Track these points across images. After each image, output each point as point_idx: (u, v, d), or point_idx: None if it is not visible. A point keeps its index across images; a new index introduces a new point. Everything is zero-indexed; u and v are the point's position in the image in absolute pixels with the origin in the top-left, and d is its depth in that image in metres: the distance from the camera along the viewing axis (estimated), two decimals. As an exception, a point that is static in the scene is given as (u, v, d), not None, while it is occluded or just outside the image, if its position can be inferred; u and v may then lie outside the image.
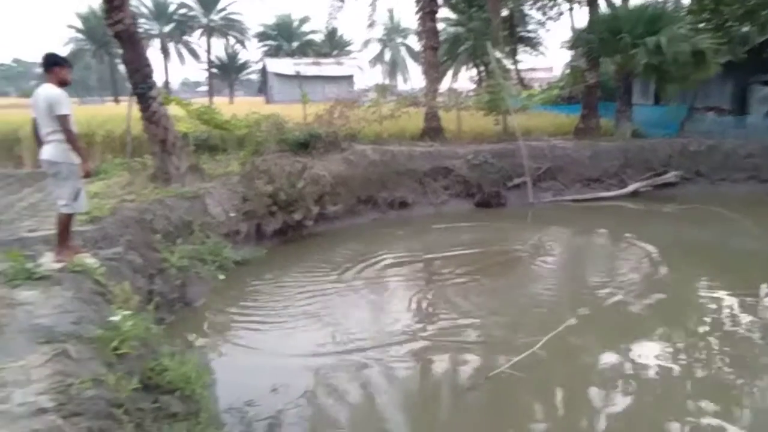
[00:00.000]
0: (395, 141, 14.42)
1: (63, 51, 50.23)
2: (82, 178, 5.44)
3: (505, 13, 22.78)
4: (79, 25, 50.23)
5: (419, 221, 12.14)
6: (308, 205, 10.30)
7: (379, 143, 13.67)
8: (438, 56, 17.20)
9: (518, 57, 26.92)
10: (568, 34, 25.00)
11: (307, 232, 10.41)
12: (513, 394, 5.00)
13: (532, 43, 27.22)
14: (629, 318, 6.72)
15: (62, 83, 5.19)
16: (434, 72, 16.35)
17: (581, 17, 41.34)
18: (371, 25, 17.71)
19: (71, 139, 5.18)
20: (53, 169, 5.28)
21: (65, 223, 5.41)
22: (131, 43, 8.50)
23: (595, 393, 4.97)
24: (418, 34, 17.08)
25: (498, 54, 18.35)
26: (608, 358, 5.62)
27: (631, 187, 13.89)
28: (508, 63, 24.34)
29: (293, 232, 10.20)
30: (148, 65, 8.90)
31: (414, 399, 5.11)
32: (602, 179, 14.21)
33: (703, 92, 17.63)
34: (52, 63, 5.27)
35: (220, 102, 33.17)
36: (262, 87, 54.10)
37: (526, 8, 24.37)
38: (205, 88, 62.90)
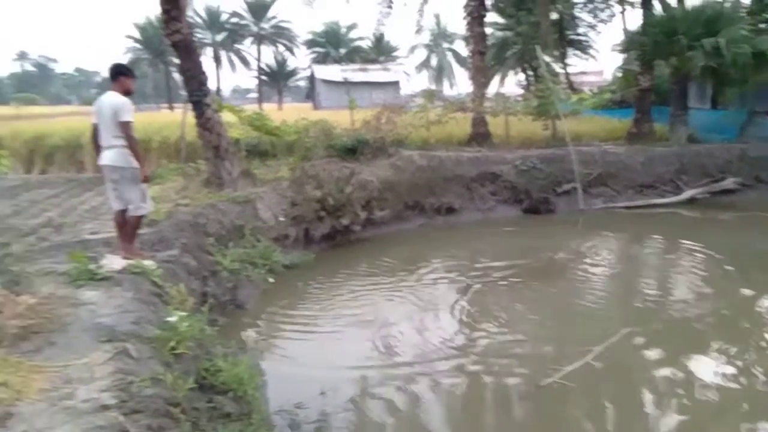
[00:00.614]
0: (442, 146, 14.37)
1: (122, 60, 52.33)
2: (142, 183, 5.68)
3: (554, 16, 22.45)
4: (137, 35, 52.24)
5: (466, 227, 12.05)
6: (356, 210, 10.37)
7: (426, 149, 13.65)
8: (485, 61, 17.06)
9: (568, 61, 26.48)
10: (619, 37, 24.43)
11: (354, 237, 10.48)
12: (565, 405, 4.89)
13: (583, 47, 26.74)
14: (687, 330, 6.49)
15: (126, 92, 5.47)
16: (482, 77, 16.24)
17: (634, 19, 40.31)
18: (418, 30, 17.79)
19: (132, 145, 5.42)
20: (116, 174, 5.53)
21: (137, 225, 5.74)
22: (187, 52, 8.79)
23: (649, 407, 4.81)
24: (466, 39, 17.02)
25: (547, 58, 18.08)
26: (664, 371, 5.43)
27: (686, 194, 13.41)
28: (557, 67, 23.95)
29: (341, 237, 10.30)
30: (203, 73, 9.18)
31: (462, 407, 5.07)
32: (656, 185, 13.77)
33: (764, 95, 16.88)
34: (119, 72, 5.57)
35: (269, 108, 33.85)
36: (310, 93, 54.92)
37: (576, 11, 23.95)
38: (254, 94, 64.38)
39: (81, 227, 7.57)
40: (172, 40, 8.61)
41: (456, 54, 61.91)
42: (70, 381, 3.30)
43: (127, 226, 5.71)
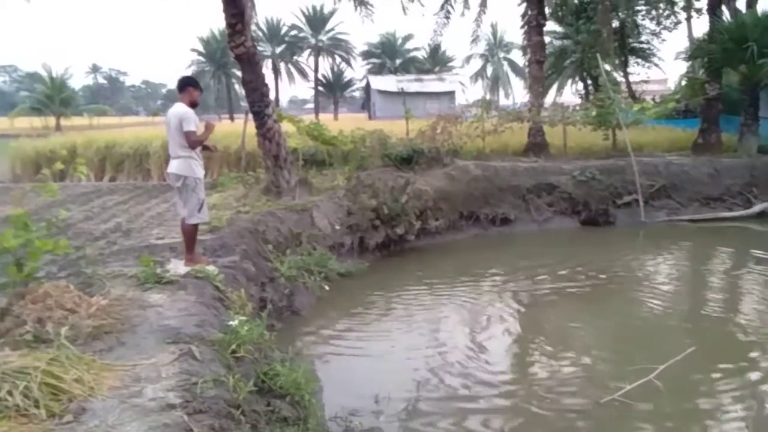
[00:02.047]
0: (497, 156, 14.25)
1: (186, 72, 54.51)
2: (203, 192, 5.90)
3: (615, 24, 21.92)
4: (201, 48, 54.27)
5: (522, 238, 11.87)
6: (410, 219, 10.40)
7: (482, 159, 13.57)
8: (543, 70, 16.83)
9: (629, 69, 25.75)
10: (685, 44, 23.56)
11: (408, 247, 10.51)
12: (626, 423, 4.74)
13: (645, 55, 25.95)
14: (755, 349, 6.16)
15: (193, 104, 5.74)
16: (539, 86, 16.03)
17: (700, 26, 38.87)
18: (475, 40, 17.66)
19: (195, 141, 5.65)
20: (179, 182, 5.77)
21: (192, 233, 5.90)
22: (250, 65, 9.08)
23: (714, 428, 4.61)
24: (524, 48, 16.92)
25: (608, 66, 17.66)
26: (731, 392, 5.18)
27: (757, 207, 12.76)
28: (618, 75, 23.35)
29: (395, 246, 10.34)
30: (265, 85, 9.47)
31: (518, 420, 4.98)
32: (724, 198, 13.18)
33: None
34: (186, 84, 5.87)
35: (325, 118, 34.42)
36: (366, 103, 55.59)
37: (638, 19, 23.29)
38: (311, 105, 65.62)
39: (148, 232, 7.91)
40: (236, 53, 8.92)
41: (512, 63, 61.33)
42: (139, 380, 3.44)
43: (185, 235, 5.93)
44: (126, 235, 8.03)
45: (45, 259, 5.52)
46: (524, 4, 15.70)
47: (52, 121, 40.71)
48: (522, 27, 15.80)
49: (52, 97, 41.79)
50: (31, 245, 4.14)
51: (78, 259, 6.27)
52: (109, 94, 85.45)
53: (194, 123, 5.66)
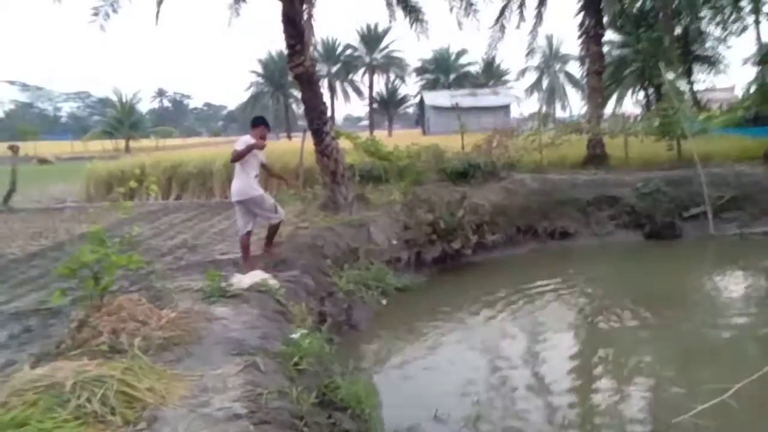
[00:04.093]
0: (555, 169, 13.98)
1: (245, 95, 56.35)
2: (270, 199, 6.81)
3: (678, 30, 21.23)
4: (260, 70, 56.01)
5: (582, 253, 11.56)
6: (467, 234, 10.33)
7: (539, 172, 13.35)
8: (602, 80, 16.46)
9: (694, 77, 24.82)
10: (752, 49, 22.51)
11: (465, 261, 10.42)
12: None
13: (710, 62, 24.97)
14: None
15: (261, 139, 6.40)
16: (598, 97, 15.66)
17: (770, 29, 37.12)
18: (531, 53, 17.48)
19: (233, 154, 6.45)
20: (239, 205, 6.65)
21: (274, 229, 7.08)
22: (309, 84, 9.32)
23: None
24: (581, 58, 16.59)
25: (671, 75, 17.08)
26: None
27: (838, 219, 11.96)
28: (682, 84, 22.53)
29: (452, 260, 10.28)
30: (323, 103, 9.70)
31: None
32: (802, 210, 12.43)
33: None
34: (258, 122, 6.80)
35: (380, 135, 34.77)
36: (419, 119, 55.82)
37: (702, 24, 22.46)
38: (365, 122, 66.40)
39: (212, 248, 8.19)
40: (295, 73, 9.18)
41: (569, 75, 60.25)
42: (206, 390, 3.55)
43: (270, 230, 7.05)
44: (191, 250, 8.33)
45: (118, 273, 5.79)
46: (581, 14, 15.42)
47: (122, 143, 42.88)
48: (579, 37, 15.52)
49: (122, 121, 44.07)
50: (107, 260, 4.35)
51: (148, 274, 6.55)
52: (174, 117, 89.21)
53: (241, 144, 6.48)
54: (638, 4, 22.41)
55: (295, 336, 4.58)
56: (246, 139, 6.53)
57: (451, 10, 9.96)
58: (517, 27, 15.52)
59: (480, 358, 6.55)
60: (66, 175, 20.79)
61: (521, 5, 15.28)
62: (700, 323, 7.42)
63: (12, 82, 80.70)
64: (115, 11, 9.23)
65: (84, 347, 4.05)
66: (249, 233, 6.69)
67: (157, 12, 10.05)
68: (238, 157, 6.42)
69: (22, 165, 14.89)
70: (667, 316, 7.60)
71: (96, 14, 9.17)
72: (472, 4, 10.01)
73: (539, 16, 16.21)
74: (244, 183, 6.55)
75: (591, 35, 15.17)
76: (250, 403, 3.42)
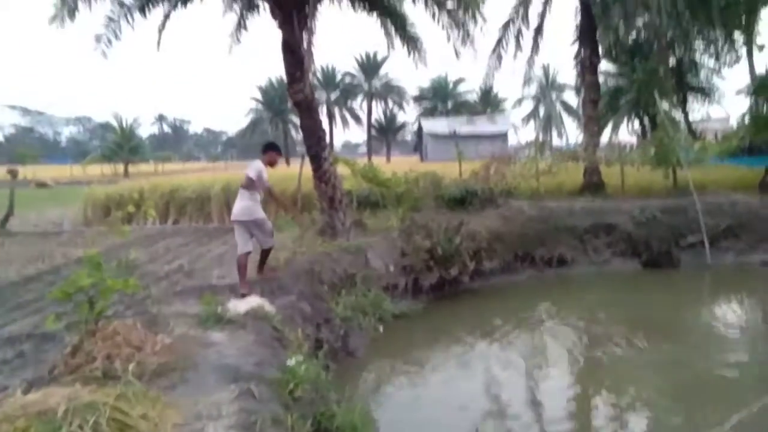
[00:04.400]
0: (552, 197, 14.04)
1: (245, 121, 56.73)
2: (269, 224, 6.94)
3: (672, 61, 21.52)
4: (259, 96, 56.49)
5: (579, 280, 11.55)
6: (464, 260, 10.32)
7: (536, 199, 13.40)
8: (598, 109, 16.64)
9: (689, 107, 25.08)
10: (746, 80, 22.79)
11: (462, 288, 10.39)
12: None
13: (705, 92, 25.27)
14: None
15: (270, 163, 6.52)
16: (594, 126, 15.82)
17: (762, 60, 37.69)
18: (527, 82, 17.67)
19: (246, 185, 6.61)
20: (240, 225, 6.67)
21: (267, 253, 7.21)
22: (309, 111, 9.40)
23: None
24: (577, 88, 16.79)
25: (666, 104, 17.29)
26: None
27: (836, 248, 12.00)
28: (677, 113, 22.76)
29: (449, 287, 10.25)
30: (322, 130, 9.77)
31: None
32: (798, 239, 12.46)
33: None
34: (269, 148, 7.00)
35: (378, 161, 34.96)
36: (417, 146, 56.20)
37: (696, 56, 22.76)
38: (364, 148, 66.80)
39: (209, 273, 8.15)
40: (294, 100, 9.27)
41: (565, 104, 60.91)
42: (201, 417, 3.51)
43: (263, 254, 7.16)
44: (188, 275, 8.30)
45: (113, 297, 5.75)
46: (577, 44, 15.68)
47: (121, 168, 43.00)
48: (575, 67, 15.77)
49: (122, 146, 44.27)
50: (103, 284, 4.33)
51: (144, 299, 6.51)
52: (173, 142, 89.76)
53: (255, 172, 6.58)
54: (633, 36, 22.77)
55: (290, 362, 4.54)
56: (257, 165, 6.65)
57: (448, 39, 10.08)
58: (515, 56, 15.74)
59: (477, 386, 6.50)
60: (64, 199, 20.80)
61: (518, 35, 15.52)
62: (697, 354, 7.37)
63: (13, 107, 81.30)
64: (117, 38, 9.34)
65: (77, 373, 4.01)
66: (248, 253, 6.68)
67: (159, 39, 10.20)
68: (251, 185, 6.59)
69: (20, 189, 14.89)
70: (664, 347, 7.57)
71: (98, 41, 9.29)
72: (469, 34, 10.13)
73: (536, 46, 16.43)
74: (249, 204, 6.64)
75: (587, 65, 15.39)
76: (245, 430, 3.39)
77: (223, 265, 8.80)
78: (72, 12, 8.80)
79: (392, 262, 9.70)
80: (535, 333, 8.40)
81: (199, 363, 4.37)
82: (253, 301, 6.09)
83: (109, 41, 9.37)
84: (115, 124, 47.42)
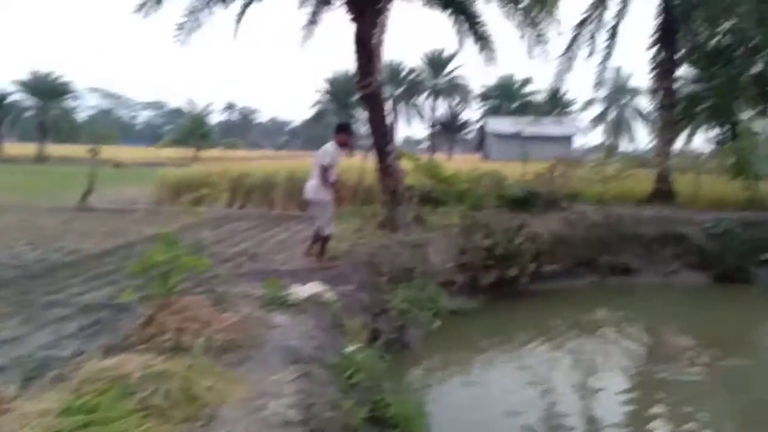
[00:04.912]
0: (619, 203, 13.62)
1: (310, 112, 57.72)
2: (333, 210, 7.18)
3: (757, 68, 20.36)
4: (325, 89, 57.27)
5: (644, 291, 11.17)
6: (524, 262, 10.17)
7: (602, 204, 13.03)
8: (673, 115, 15.97)
9: (772, 116, 23.67)
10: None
11: (521, 289, 10.24)
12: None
13: (791, 101, 23.79)
14: None
15: (342, 144, 6.65)
16: (668, 132, 15.21)
17: None
18: (599, 84, 17.13)
19: (324, 178, 6.93)
20: (311, 204, 7.16)
21: (324, 241, 7.34)
22: (376, 104, 9.51)
23: None
24: (652, 92, 16.14)
25: (748, 113, 16.41)
26: None
27: None
28: (760, 123, 21.55)
29: (507, 287, 10.12)
30: (388, 124, 9.86)
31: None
32: None
33: None
34: (339, 128, 7.26)
35: (439, 159, 34.80)
36: (480, 145, 55.57)
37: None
38: (425, 145, 66.60)
39: (272, 258, 8.38)
40: (363, 93, 9.40)
41: (636, 108, 58.72)
42: (263, 394, 3.64)
43: (321, 242, 7.35)
44: (252, 258, 8.54)
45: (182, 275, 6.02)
46: (655, 48, 15.08)
47: (191, 152, 44.62)
48: (651, 71, 15.16)
49: (193, 131, 45.93)
50: (177, 261, 4.54)
51: (211, 278, 6.77)
52: (241, 130, 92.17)
53: (333, 158, 6.96)
54: (714, 41, 21.72)
55: (349, 349, 4.64)
56: (330, 147, 6.98)
57: (522, 37, 9.93)
58: (588, 57, 15.28)
59: (529, 390, 6.42)
60: (138, 179, 21.81)
61: (593, 36, 15.07)
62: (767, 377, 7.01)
63: (94, 89, 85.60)
64: (197, 27, 9.71)
65: (150, 343, 4.23)
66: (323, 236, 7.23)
67: (236, 28, 10.51)
68: (324, 176, 6.96)
69: (99, 167, 15.71)
70: (733, 366, 7.22)
71: (180, 29, 9.68)
72: (542, 34, 9.95)
73: (610, 48, 15.92)
74: (320, 186, 7.02)
75: (664, 69, 14.80)
76: (304, 410, 3.49)
77: (285, 250, 9.02)
78: (159, 1, 9.22)
79: (451, 259, 9.67)
80: (594, 341, 8.21)
81: (263, 343, 4.52)
82: (315, 287, 6.22)
83: (190, 30, 9.75)
84: (187, 110, 49.26)
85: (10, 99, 50.89)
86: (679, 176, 14.54)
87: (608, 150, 15.30)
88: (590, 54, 15.27)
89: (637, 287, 11.26)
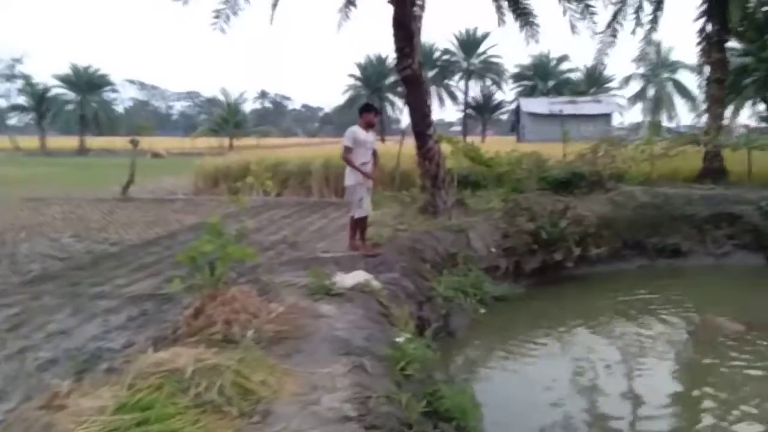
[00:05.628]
0: (667, 183, 13.12)
1: (342, 98, 57.67)
2: (365, 190, 7.03)
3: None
4: (357, 73, 57.02)
5: (695, 273, 10.73)
6: (570, 245, 9.87)
7: (649, 184, 12.56)
8: (724, 89, 15.26)
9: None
10: None
11: (566, 274, 9.96)
12: None
13: None
14: None
15: (368, 125, 6.43)
16: (718, 107, 14.55)
17: None
18: (642, 59, 16.50)
19: (346, 159, 6.88)
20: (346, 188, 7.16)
21: (353, 224, 7.20)
22: (416, 87, 9.29)
23: None
24: (699, 66, 15.48)
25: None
26: None
27: None
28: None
29: (552, 272, 9.85)
30: (428, 106, 9.63)
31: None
32: None
33: None
34: (361, 109, 7.06)
35: (472, 141, 34.30)
36: (514, 126, 54.63)
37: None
38: (457, 128, 65.89)
39: (312, 245, 8.32)
40: (402, 75, 9.18)
41: (677, 84, 56.70)
42: (316, 388, 3.53)
43: (359, 227, 7.24)
44: (292, 246, 8.51)
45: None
46: (702, 20, 14.39)
47: (226, 141, 45.12)
48: (699, 43, 14.48)
49: (228, 120, 46.41)
50: (224, 251, 4.46)
51: (254, 267, 6.73)
52: (274, 117, 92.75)
53: (348, 140, 6.83)
54: (764, 9, 20.65)
55: (399, 340, 4.50)
56: (349, 131, 6.87)
57: (564, 12, 9.54)
58: (633, 32, 14.66)
59: (576, 376, 6.21)
60: (176, 168, 22.09)
61: (638, 9, 14.43)
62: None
63: (132, 81, 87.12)
64: (235, 14, 9.63)
65: (199, 335, 4.18)
66: (356, 218, 7.11)
67: (272, 14, 10.38)
68: (347, 153, 6.86)
69: (138, 158, 15.93)
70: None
71: (217, 17, 9.61)
72: (589, 6, 9.52)
73: (654, 21, 15.27)
74: (347, 171, 7.00)
75: (713, 41, 14.12)
76: (360, 405, 3.37)
77: (325, 238, 8.95)
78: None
79: (494, 244, 9.45)
80: (641, 326, 7.87)
81: (311, 333, 4.42)
82: (360, 275, 6.10)
83: (228, 17, 9.67)
84: (222, 99, 49.78)
85: (51, 93, 52.20)
86: (730, 153, 13.90)
87: (654, 127, 14.71)
88: (635, 28, 14.63)
89: (687, 270, 10.82)
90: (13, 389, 4.06)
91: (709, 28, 14.36)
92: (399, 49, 9.02)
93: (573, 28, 9.74)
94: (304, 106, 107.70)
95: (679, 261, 11.10)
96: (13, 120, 58.31)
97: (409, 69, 8.99)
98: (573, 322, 8.01)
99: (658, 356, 6.87)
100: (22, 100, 53.36)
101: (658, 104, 58.70)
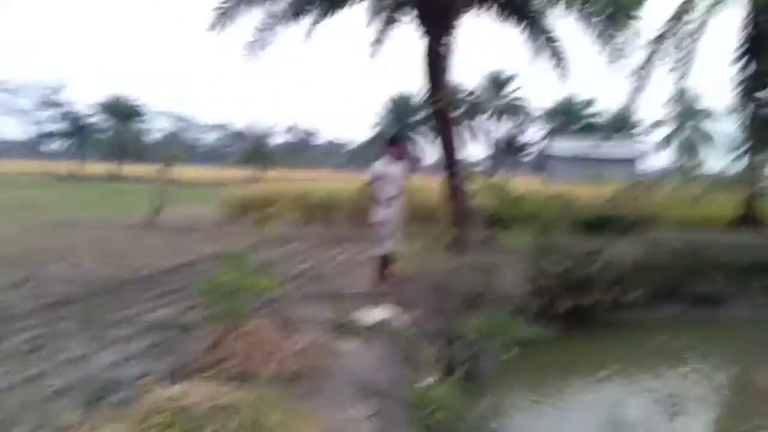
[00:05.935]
0: (701, 228, 12.69)
1: (371, 133, 58.17)
2: (392, 225, 6.94)
3: None
4: (385, 110, 57.56)
5: (735, 324, 10.24)
6: (601, 290, 9.50)
7: (684, 229, 12.17)
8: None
9: None
10: None
11: (599, 318, 9.56)
12: None
13: None
14: None
15: (397, 157, 6.30)
16: (758, 153, 14.12)
17: None
18: (673, 103, 16.24)
19: (372, 193, 6.85)
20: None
21: (377, 260, 7.16)
22: (446, 122, 9.21)
23: None
24: (736, 111, 15.08)
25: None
26: None
27: None
28: None
29: (584, 316, 9.46)
30: (457, 143, 9.50)
31: None
32: None
33: None
34: (388, 143, 7.07)
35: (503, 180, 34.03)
36: (540, 166, 54.34)
37: None
38: (482, 167, 65.69)
39: (335, 279, 8.11)
40: (435, 108, 9.11)
41: (705, 130, 55.94)
42: (340, 432, 3.31)
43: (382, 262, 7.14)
44: (315, 279, 8.30)
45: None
46: (740, 62, 14.09)
47: (253, 172, 45.69)
48: (736, 87, 14.15)
49: (255, 153, 47.16)
50: (246, 282, 4.32)
51: (275, 300, 6.53)
52: (300, 151, 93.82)
53: (377, 173, 6.79)
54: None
55: (425, 383, 4.25)
56: (381, 163, 6.80)
57: (600, 51, 9.42)
58: (668, 72, 14.36)
59: (607, 424, 5.84)
60: (201, 198, 22.22)
61: (676, 49, 14.17)
62: None
63: (165, 113, 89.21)
64: (266, 46, 9.72)
65: (216, 368, 4.00)
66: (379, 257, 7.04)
67: (306, 42, 10.33)
68: (370, 187, 6.85)
69: (168, 186, 16.05)
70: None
71: (250, 49, 9.71)
72: (620, 50, 9.41)
73: (687, 65, 15.00)
74: (376, 205, 6.87)
75: (751, 86, 13.78)
76: (383, 454, 3.13)
77: (349, 272, 8.74)
78: (232, 19, 9.26)
79: (522, 284, 9.15)
80: (676, 377, 7.47)
81: (332, 372, 4.21)
82: (383, 312, 5.89)
83: (258, 50, 9.76)
84: (250, 132, 50.67)
85: (90, 120, 54.17)
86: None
87: (687, 172, 14.36)
88: (670, 71, 14.34)
89: (727, 321, 10.34)
90: (24, 417, 3.90)
91: (751, 68, 14.00)
92: (431, 84, 8.98)
93: (606, 71, 9.57)
94: (330, 142, 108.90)
95: (716, 310, 10.62)
96: (54, 145, 60.65)
97: (441, 103, 8.91)
98: (606, 371, 7.64)
99: (694, 414, 6.45)
100: (61, 126, 55.46)
101: (690, 149, 57.86)
